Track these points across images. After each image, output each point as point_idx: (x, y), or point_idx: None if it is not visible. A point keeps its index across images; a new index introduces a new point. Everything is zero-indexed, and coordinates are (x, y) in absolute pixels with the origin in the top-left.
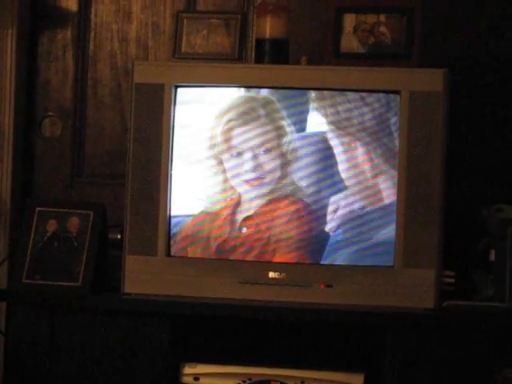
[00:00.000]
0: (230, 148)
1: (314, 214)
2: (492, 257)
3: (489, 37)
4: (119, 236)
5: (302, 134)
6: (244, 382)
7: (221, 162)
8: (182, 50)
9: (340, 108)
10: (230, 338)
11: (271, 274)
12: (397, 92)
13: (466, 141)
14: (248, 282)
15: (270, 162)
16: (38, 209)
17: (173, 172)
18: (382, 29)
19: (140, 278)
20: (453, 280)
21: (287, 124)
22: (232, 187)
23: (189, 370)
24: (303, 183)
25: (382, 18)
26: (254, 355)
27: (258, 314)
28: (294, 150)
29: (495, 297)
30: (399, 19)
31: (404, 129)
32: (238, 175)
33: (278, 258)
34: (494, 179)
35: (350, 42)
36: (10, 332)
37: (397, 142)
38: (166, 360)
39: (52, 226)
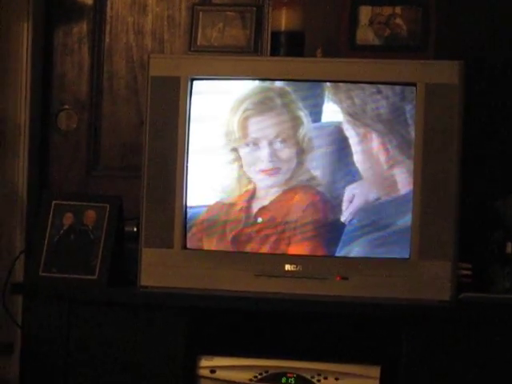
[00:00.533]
0: (246, 138)
1: (329, 203)
2: (508, 249)
3: (505, 28)
4: (135, 229)
5: (318, 124)
6: (260, 374)
7: (237, 152)
8: (198, 42)
9: (355, 99)
10: (246, 330)
11: (287, 267)
12: (413, 84)
13: (481, 132)
14: (264, 275)
15: (285, 152)
16: (54, 202)
17: (189, 164)
18: (398, 21)
19: (156, 270)
20: (469, 272)
21: (304, 114)
22: (248, 177)
23: (205, 362)
24: (319, 173)
25: (398, 9)
26: (270, 348)
27: (274, 307)
28: (310, 139)
29: None
30: (415, 11)
31: (420, 121)
32: (253, 165)
33: (293, 249)
34: (510, 170)
35: (365, 34)
36: (27, 325)
37: (412, 132)
38: (183, 353)
39: (68, 219)
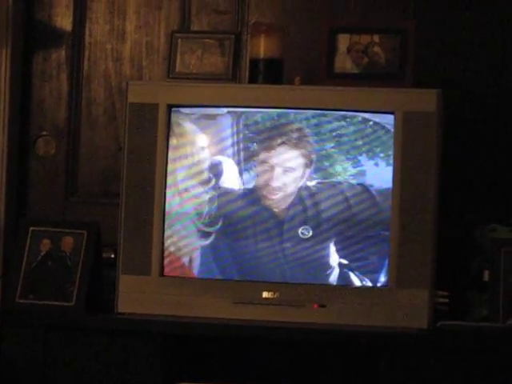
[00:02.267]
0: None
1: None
2: (486, 277)
3: (482, 57)
4: (113, 255)
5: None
6: None
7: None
8: (177, 69)
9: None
10: (224, 357)
11: (265, 294)
12: (391, 112)
13: (459, 161)
14: (242, 302)
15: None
16: (31, 228)
17: (167, 192)
18: (376, 49)
19: (134, 297)
20: (446, 300)
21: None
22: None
23: None
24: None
25: (376, 38)
26: (247, 375)
27: (251, 334)
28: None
29: (489, 317)
30: (393, 39)
31: (398, 149)
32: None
33: (270, 276)
34: (487, 199)
35: (343, 62)
36: (3, 352)
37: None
38: (160, 380)
39: (46, 245)
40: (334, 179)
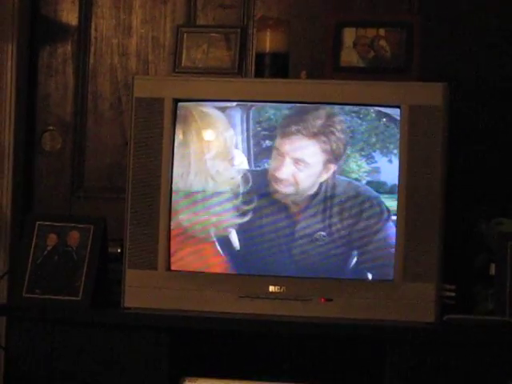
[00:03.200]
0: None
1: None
2: (492, 271)
3: (488, 50)
4: (119, 250)
5: None
6: None
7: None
8: (183, 64)
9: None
10: (230, 352)
11: (271, 288)
12: (397, 106)
13: (465, 155)
14: (248, 296)
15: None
16: (38, 223)
17: (173, 185)
18: (382, 43)
19: (140, 292)
20: (453, 294)
21: None
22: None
23: None
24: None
25: (382, 31)
26: (254, 369)
27: (257, 328)
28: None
29: (495, 310)
30: (399, 33)
31: (404, 143)
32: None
33: (277, 269)
34: (494, 193)
35: (349, 56)
36: (10, 346)
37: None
38: (166, 374)
39: (52, 240)
40: (348, 176)
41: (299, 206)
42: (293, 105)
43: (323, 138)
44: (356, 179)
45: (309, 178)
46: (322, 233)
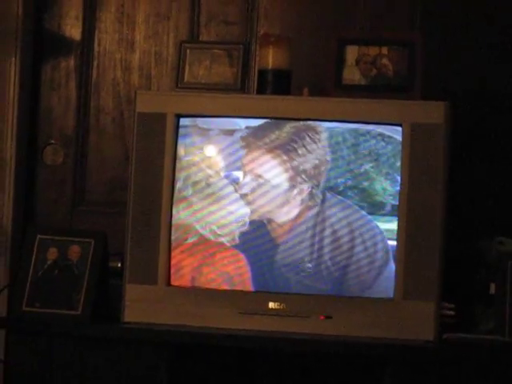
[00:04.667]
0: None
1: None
2: (492, 290)
3: (491, 68)
4: (120, 264)
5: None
6: None
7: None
8: (185, 79)
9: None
10: (229, 368)
11: (271, 305)
12: (399, 124)
13: (466, 173)
14: (248, 313)
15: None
16: (39, 236)
17: (174, 201)
18: (385, 61)
19: (140, 306)
20: (453, 312)
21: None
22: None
23: None
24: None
25: (385, 50)
26: None
27: (257, 345)
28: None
29: (495, 330)
30: (401, 51)
31: (405, 161)
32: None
33: (277, 286)
34: (494, 212)
35: (352, 74)
36: (9, 360)
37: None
38: None
39: (53, 253)
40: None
41: (283, 228)
42: (266, 120)
43: (284, 156)
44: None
45: (277, 197)
46: (309, 265)
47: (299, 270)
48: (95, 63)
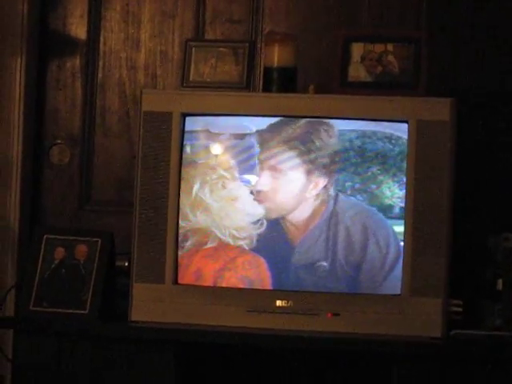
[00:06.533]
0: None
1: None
2: (499, 286)
3: (497, 65)
4: (127, 264)
5: None
6: None
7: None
8: (191, 78)
9: None
10: (237, 366)
11: (278, 303)
12: (405, 121)
13: (472, 169)
14: (255, 311)
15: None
16: (45, 236)
17: (180, 199)
18: (390, 58)
19: (147, 305)
20: (460, 309)
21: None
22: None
23: None
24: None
25: (390, 47)
26: (261, 383)
27: (264, 343)
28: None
29: (503, 326)
30: (407, 48)
31: (412, 157)
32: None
33: (285, 284)
34: (501, 208)
35: (357, 71)
36: (17, 359)
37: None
38: None
39: (60, 253)
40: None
41: (299, 227)
42: (277, 118)
43: (301, 147)
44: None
45: (292, 191)
46: (325, 264)
47: (315, 269)
48: (101, 62)
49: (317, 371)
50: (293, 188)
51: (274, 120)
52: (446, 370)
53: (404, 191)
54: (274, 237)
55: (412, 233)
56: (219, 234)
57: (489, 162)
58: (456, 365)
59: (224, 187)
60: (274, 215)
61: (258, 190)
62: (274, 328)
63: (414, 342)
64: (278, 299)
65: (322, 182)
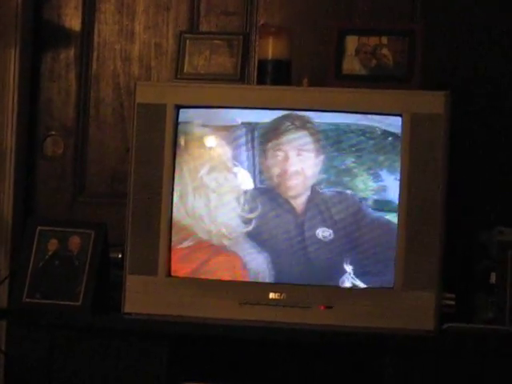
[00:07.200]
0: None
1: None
2: (492, 279)
3: (491, 59)
4: (120, 255)
5: None
6: None
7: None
8: (185, 70)
9: None
10: (230, 358)
11: (271, 295)
12: (399, 114)
13: (466, 163)
14: (248, 303)
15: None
16: (39, 228)
17: (174, 191)
18: (384, 51)
19: (140, 297)
20: (453, 302)
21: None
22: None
23: None
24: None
25: (384, 40)
26: (254, 376)
27: (257, 335)
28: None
29: (495, 319)
30: (401, 41)
31: (405, 151)
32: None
33: (278, 276)
34: (495, 201)
35: (351, 64)
36: (10, 351)
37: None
38: (166, 380)
39: (53, 245)
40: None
41: (300, 207)
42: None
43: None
44: (364, 198)
45: (310, 169)
46: (327, 231)
47: (306, 259)
48: (95, 54)
49: (310, 364)
50: (290, 173)
51: (267, 112)
52: (439, 363)
53: (379, 184)
54: (270, 228)
55: (405, 226)
56: (212, 228)
57: (483, 155)
58: (449, 358)
59: (217, 179)
60: (269, 207)
61: (256, 183)
62: (267, 320)
63: (406, 336)
64: (271, 292)
65: (311, 172)
